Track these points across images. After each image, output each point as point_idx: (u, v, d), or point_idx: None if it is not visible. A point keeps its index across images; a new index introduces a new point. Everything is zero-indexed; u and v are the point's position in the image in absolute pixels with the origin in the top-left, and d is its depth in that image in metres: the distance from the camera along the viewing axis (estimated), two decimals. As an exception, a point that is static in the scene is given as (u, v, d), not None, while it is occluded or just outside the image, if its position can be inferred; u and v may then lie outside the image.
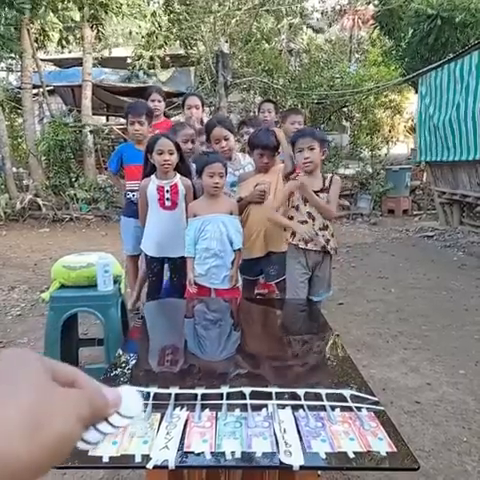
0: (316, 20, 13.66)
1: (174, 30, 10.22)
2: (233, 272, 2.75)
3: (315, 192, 2.64)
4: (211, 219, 2.70)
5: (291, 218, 2.70)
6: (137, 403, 0.48)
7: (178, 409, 1.33)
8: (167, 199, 2.88)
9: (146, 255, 3.06)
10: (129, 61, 10.96)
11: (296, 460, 1.11)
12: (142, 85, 10.40)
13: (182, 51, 11.15)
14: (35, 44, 9.40)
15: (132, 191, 3.45)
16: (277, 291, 3.17)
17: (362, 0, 15.25)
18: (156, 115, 3.92)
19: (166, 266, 3.08)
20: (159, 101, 3.91)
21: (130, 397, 0.47)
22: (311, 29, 13.41)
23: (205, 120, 3.91)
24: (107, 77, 11.48)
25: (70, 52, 12.78)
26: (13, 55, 9.65)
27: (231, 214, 2.76)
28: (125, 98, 10.79)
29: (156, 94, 3.93)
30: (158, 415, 1.30)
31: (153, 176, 2.91)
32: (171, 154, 2.80)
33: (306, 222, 2.65)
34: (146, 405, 1.35)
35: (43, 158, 9.02)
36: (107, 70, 11.81)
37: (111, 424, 0.44)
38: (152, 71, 11.47)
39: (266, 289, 3.48)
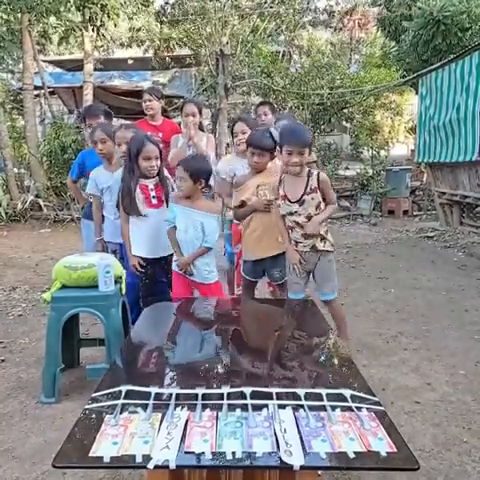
0: (321, 19, 13.57)
1: (174, 32, 10.23)
2: (185, 258, 2.78)
3: (302, 195, 2.65)
4: (189, 213, 2.75)
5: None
6: None
7: (179, 409, 1.33)
8: (153, 197, 2.91)
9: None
10: (130, 62, 10.97)
11: (296, 460, 1.11)
12: (142, 86, 10.41)
13: (183, 52, 11.16)
14: (36, 46, 9.42)
15: None
16: (279, 292, 3.17)
17: (365, 2, 15.23)
18: (151, 114, 3.92)
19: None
20: (150, 101, 3.86)
21: None
22: (311, 27, 13.31)
23: (205, 124, 3.92)
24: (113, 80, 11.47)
25: (69, 51, 12.80)
26: (14, 57, 9.66)
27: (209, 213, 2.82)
28: (126, 99, 10.81)
29: (147, 94, 3.90)
30: (159, 415, 1.30)
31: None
32: (157, 159, 2.85)
33: (294, 228, 2.71)
34: (147, 405, 1.35)
35: (44, 159, 9.02)
36: (115, 73, 11.79)
37: None
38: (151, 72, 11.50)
39: (271, 288, 3.50)
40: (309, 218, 2.67)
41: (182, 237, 2.79)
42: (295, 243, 2.74)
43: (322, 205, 2.69)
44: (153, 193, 2.90)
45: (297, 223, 2.69)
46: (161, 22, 10.23)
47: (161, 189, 2.95)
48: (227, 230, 3.68)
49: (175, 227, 2.80)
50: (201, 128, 3.82)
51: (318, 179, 2.66)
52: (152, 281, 3.00)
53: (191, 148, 3.56)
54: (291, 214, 2.70)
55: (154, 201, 2.91)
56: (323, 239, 2.73)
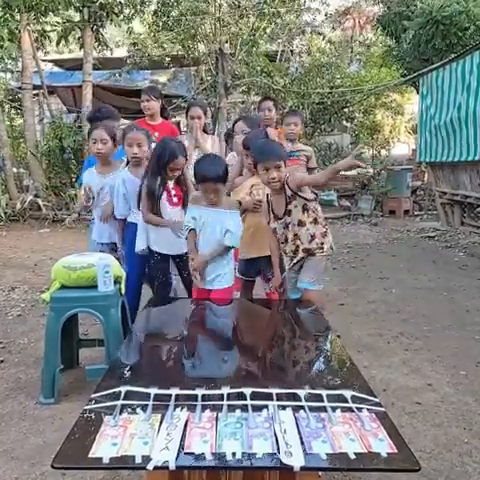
0: (320, 22, 13.57)
1: (173, 31, 10.20)
2: (204, 255, 2.64)
3: (285, 206, 2.62)
4: (213, 213, 2.64)
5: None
6: None
7: (178, 410, 1.32)
8: (174, 195, 2.95)
9: (153, 257, 2.99)
10: (128, 61, 10.95)
11: (297, 461, 1.11)
12: (142, 86, 10.39)
13: (182, 52, 11.13)
14: (35, 44, 9.41)
15: None
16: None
17: (366, 1, 15.23)
18: (149, 114, 3.90)
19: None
20: (148, 100, 3.82)
21: None
22: (312, 33, 13.34)
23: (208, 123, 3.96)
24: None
25: (69, 49, 12.77)
26: (13, 56, 9.65)
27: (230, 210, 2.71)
28: (125, 98, 10.79)
29: (145, 94, 3.87)
30: (158, 416, 1.30)
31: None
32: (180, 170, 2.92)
33: (286, 242, 2.69)
34: (146, 406, 1.35)
35: (43, 158, 9.02)
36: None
37: None
38: (149, 71, 11.46)
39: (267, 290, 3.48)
40: (300, 223, 2.65)
41: (204, 238, 2.66)
42: (293, 252, 2.71)
43: (309, 204, 2.65)
44: (174, 192, 2.95)
45: (295, 235, 2.66)
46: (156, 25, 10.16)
47: (180, 188, 2.99)
48: None
49: (194, 230, 2.68)
50: (205, 130, 3.84)
51: (288, 185, 2.59)
52: (168, 279, 3.02)
53: (197, 150, 3.67)
54: (286, 227, 2.66)
55: (175, 199, 2.96)
56: (321, 248, 2.70)
